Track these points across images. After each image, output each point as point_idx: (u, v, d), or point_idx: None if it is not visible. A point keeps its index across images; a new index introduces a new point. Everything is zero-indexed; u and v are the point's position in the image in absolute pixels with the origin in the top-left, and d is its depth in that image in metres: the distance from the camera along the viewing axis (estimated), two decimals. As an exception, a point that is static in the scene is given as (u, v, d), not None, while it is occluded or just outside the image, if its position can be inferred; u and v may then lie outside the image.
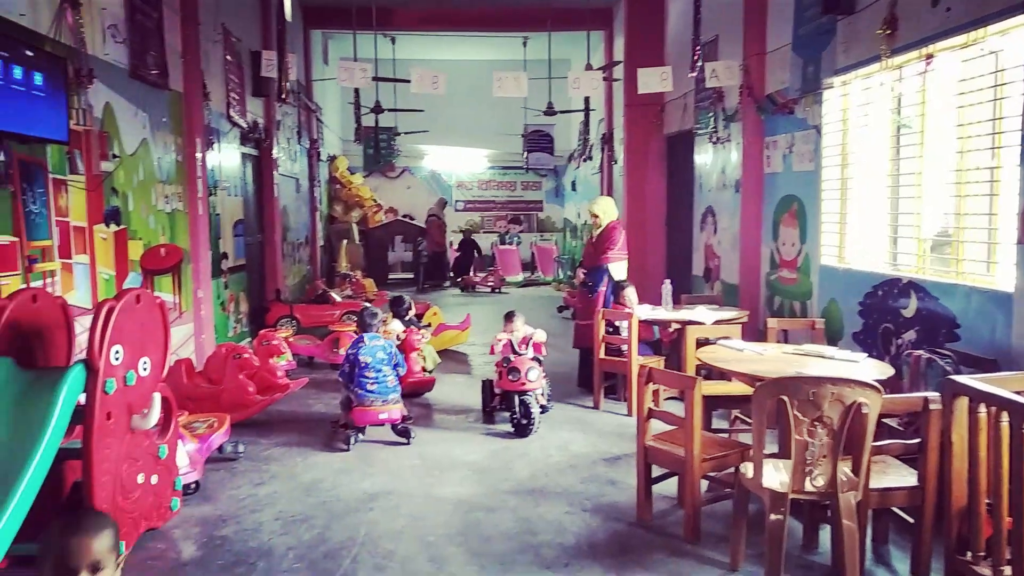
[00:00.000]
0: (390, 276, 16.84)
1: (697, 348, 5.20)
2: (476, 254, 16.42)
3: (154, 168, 6.11)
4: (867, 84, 5.48)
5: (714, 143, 8.13)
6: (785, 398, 3.03)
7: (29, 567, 3.38)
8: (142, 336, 3.69)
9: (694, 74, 7.00)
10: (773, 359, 4.24)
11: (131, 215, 5.64)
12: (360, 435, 5.35)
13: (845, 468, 3.17)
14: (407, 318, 7.08)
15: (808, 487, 3.12)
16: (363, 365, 5.30)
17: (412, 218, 17.82)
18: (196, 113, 6.86)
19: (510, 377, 5.50)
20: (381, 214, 17.42)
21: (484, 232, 19.25)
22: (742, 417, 5.09)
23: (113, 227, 5.34)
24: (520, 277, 17.18)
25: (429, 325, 9.03)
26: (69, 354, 3.97)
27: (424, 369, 6.80)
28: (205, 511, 4.13)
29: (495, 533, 3.85)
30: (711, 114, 8.07)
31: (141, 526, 3.71)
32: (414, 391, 6.57)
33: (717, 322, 5.82)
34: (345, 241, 14.80)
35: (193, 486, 4.35)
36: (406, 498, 4.32)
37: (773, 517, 3.12)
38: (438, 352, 7.87)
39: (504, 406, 5.75)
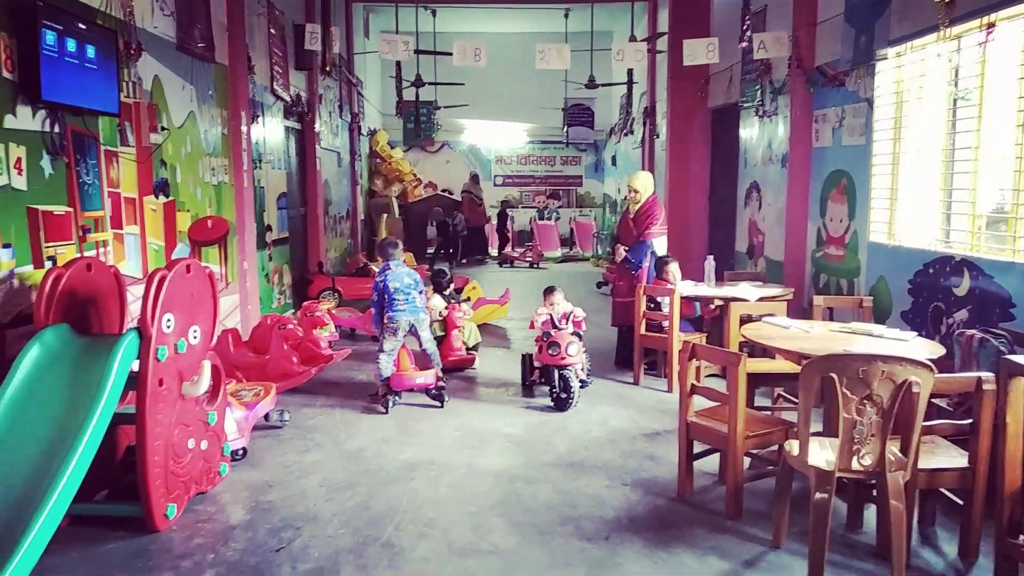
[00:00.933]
0: (428, 250, 16.92)
1: (740, 325, 5.14)
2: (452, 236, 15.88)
3: (201, 141, 6.20)
4: (923, 55, 5.30)
5: (760, 116, 7.95)
6: (834, 375, 2.98)
7: (86, 526, 3.52)
8: (192, 305, 3.78)
9: (744, 44, 6.82)
10: (820, 336, 4.18)
11: (179, 187, 5.74)
12: (397, 399, 5.57)
13: (893, 447, 3.12)
14: (448, 292, 7.10)
15: (855, 466, 3.07)
16: (392, 290, 5.50)
17: (451, 192, 17.83)
18: (241, 86, 6.93)
19: (550, 352, 5.51)
20: (420, 188, 17.46)
21: (523, 207, 19.19)
22: (785, 395, 5.03)
23: (162, 198, 5.44)
24: (558, 253, 17.13)
25: (468, 299, 9.07)
26: (122, 322, 4.08)
27: (465, 344, 6.81)
28: (252, 477, 4.23)
29: (535, 504, 3.88)
30: (758, 87, 7.89)
31: (191, 490, 3.82)
32: (456, 367, 6.62)
33: (761, 299, 5.74)
34: (385, 215, 14.88)
35: (241, 452, 4.46)
36: (447, 468, 4.37)
37: (818, 495, 3.09)
38: (478, 326, 7.90)
39: (543, 380, 5.77)
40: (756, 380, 4.65)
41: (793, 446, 3.29)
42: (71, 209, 4.26)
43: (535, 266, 15.45)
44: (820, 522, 3.09)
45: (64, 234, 4.20)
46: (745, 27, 6.75)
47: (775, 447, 3.97)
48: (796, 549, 3.42)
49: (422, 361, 5.85)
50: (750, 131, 8.45)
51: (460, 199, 16.63)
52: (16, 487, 3.01)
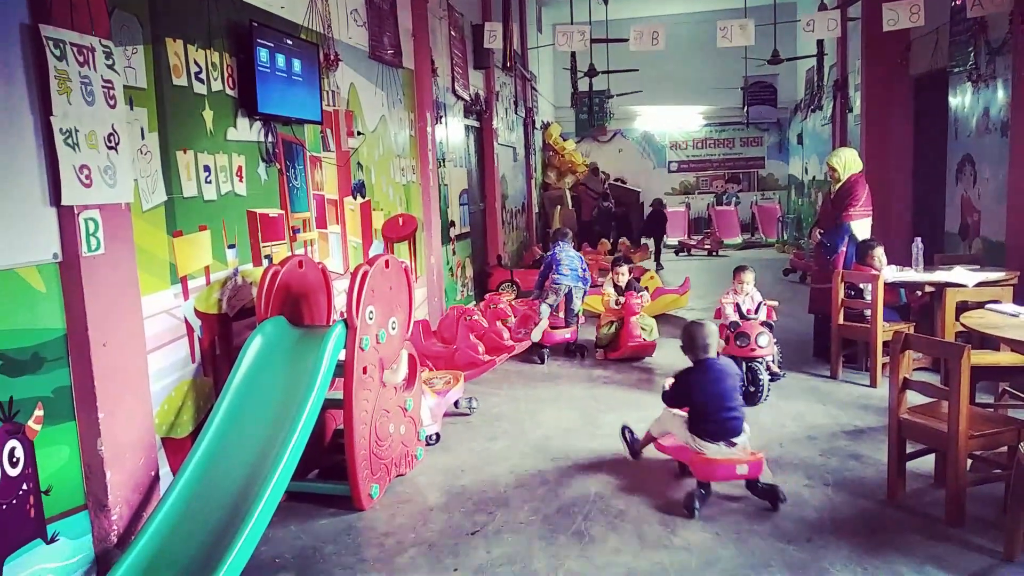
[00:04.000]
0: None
1: (957, 314, 4.65)
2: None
3: (391, 143, 6.55)
4: None
5: (975, 82, 7.14)
6: (1085, 370, 2.61)
7: (301, 502, 3.84)
8: (391, 298, 4.00)
9: (959, 1, 6.12)
10: (1058, 326, 3.69)
11: (373, 188, 6.10)
12: (547, 351, 6.69)
13: None
14: (626, 281, 6.92)
15: (1112, 474, 2.68)
16: (559, 260, 6.82)
17: (624, 182, 17.62)
18: (426, 89, 7.24)
19: (738, 343, 5.28)
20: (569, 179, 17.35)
21: (699, 193, 18.61)
22: (1012, 391, 4.50)
23: (359, 199, 5.81)
24: (739, 239, 16.45)
25: (646, 289, 8.91)
26: (329, 314, 4.41)
27: (643, 332, 6.68)
28: (446, 461, 4.41)
29: (728, 501, 3.73)
30: (971, 49, 7.08)
31: (392, 472, 4.05)
32: (635, 355, 6.54)
33: (980, 284, 5.16)
34: (559, 207, 14.99)
35: (434, 437, 4.67)
36: (633, 460, 4.31)
37: (1065, 505, 2.73)
38: (656, 317, 7.78)
39: (731, 372, 5.55)
40: (976, 374, 4.20)
41: (1031, 449, 2.93)
42: (283, 211, 4.66)
43: (714, 253, 14.94)
44: (1067, 536, 2.73)
45: (278, 234, 4.59)
46: (962, -18, 6.03)
47: (1003, 448, 3.57)
48: (1034, 564, 3.05)
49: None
50: (962, 98, 7.61)
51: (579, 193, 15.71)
52: (246, 463, 3.33)
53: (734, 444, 3.68)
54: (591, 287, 9.06)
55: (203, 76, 3.90)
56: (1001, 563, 3.09)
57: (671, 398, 3.95)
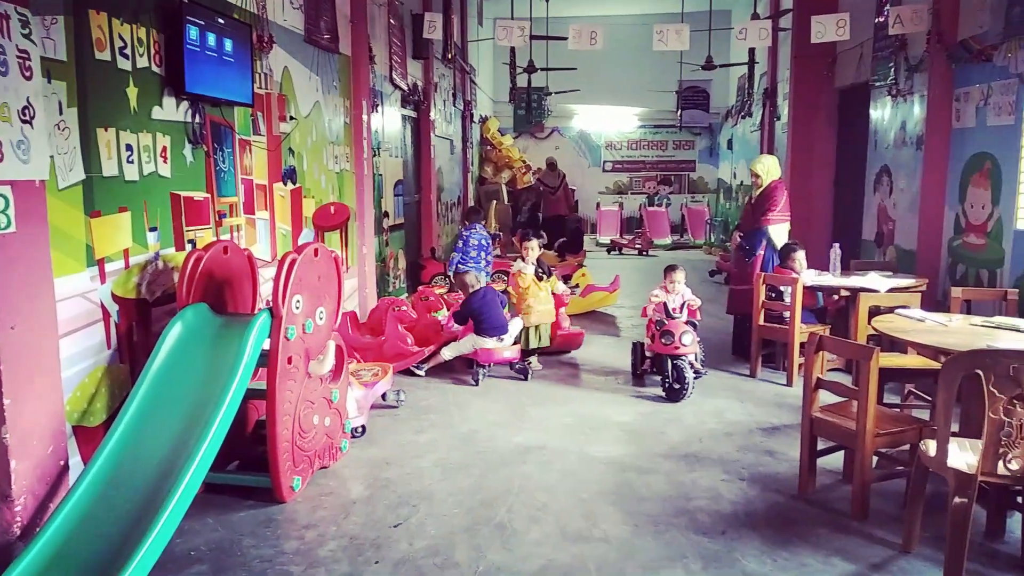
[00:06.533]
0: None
1: (869, 318, 4.87)
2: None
3: (325, 129, 6.44)
4: (1086, 25, 4.82)
5: (894, 96, 7.48)
6: (980, 372, 2.77)
7: (219, 494, 3.75)
8: (319, 288, 3.94)
9: (882, 19, 6.39)
10: (959, 331, 3.90)
11: (305, 174, 5.98)
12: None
13: (1046, 453, 2.88)
14: (540, 266, 6.70)
15: (1001, 470, 2.86)
16: (471, 246, 7.35)
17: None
18: (363, 76, 7.14)
19: (663, 340, 5.41)
20: (529, 175, 17.47)
21: (632, 193, 18.92)
22: (917, 392, 4.75)
23: (290, 185, 5.70)
24: (668, 240, 16.80)
25: (577, 286, 9.06)
26: (254, 302, 4.31)
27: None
28: (371, 454, 4.38)
29: (649, 495, 3.83)
30: (891, 65, 7.41)
31: (315, 464, 4.00)
32: (563, 347, 6.61)
33: (892, 290, 5.42)
34: (494, 202, 15.00)
35: (360, 430, 4.63)
36: (559, 454, 4.38)
37: (957, 500, 2.89)
38: (584, 313, 7.90)
39: (655, 370, 5.68)
40: (885, 375, 4.42)
41: (930, 446, 3.10)
42: (209, 195, 4.53)
43: (644, 253, 15.23)
44: (959, 528, 2.90)
45: (203, 219, 4.46)
46: (885, 1, 6.31)
47: (906, 447, 3.76)
48: (929, 555, 3.23)
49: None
50: (881, 112, 7.96)
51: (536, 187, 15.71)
52: (161, 454, 3.23)
53: (502, 340, 5.78)
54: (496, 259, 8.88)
55: (128, 52, 3.76)
56: (899, 554, 3.26)
57: (461, 320, 5.95)
